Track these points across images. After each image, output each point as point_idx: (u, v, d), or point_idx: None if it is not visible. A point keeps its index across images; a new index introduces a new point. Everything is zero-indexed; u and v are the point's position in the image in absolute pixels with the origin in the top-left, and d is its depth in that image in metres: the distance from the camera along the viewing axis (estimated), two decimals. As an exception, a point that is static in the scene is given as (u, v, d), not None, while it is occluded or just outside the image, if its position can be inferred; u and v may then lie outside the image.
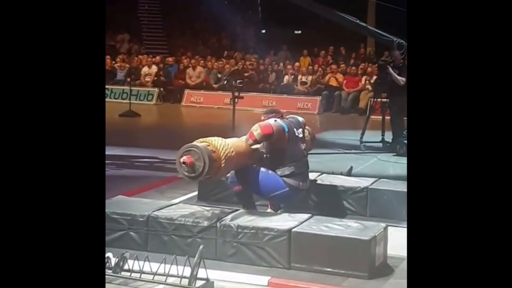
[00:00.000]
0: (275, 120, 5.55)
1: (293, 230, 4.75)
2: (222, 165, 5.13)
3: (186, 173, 5.13)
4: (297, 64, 18.22)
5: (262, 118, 5.73)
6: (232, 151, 5.21)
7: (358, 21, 9.86)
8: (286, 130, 5.52)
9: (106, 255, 4.27)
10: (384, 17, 9.74)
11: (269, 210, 5.71)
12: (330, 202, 6.21)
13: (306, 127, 5.97)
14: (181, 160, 5.08)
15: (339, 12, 9.63)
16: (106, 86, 18.03)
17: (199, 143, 5.16)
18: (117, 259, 4.31)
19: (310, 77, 17.64)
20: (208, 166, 5.02)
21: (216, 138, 5.27)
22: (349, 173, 7.13)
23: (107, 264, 4.26)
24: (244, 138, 5.57)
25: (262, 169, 5.52)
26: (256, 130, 5.40)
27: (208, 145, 5.12)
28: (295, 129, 5.66)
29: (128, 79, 17.35)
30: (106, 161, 9.08)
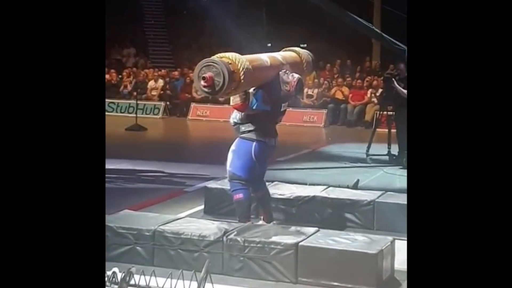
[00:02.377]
0: None
1: (300, 244, 4.73)
2: (242, 79, 5.11)
3: (206, 90, 5.10)
4: (302, 77, 18.23)
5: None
6: (249, 65, 5.18)
7: (374, 27, 9.81)
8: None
9: (112, 270, 4.27)
10: (390, 27, 9.74)
11: (260, 222, 5.73)
12: (337, 215, 6.19)
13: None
14: (201, 75, 5.05)
15: (352, 17, 9.59)
16: (113, 100, 18.12)
17: (216, 57, 5.13)
18: (123, 274, 4.30)
19: (316, 90, 17.65)
20: (228, 81, 4.99)
21: (231, 53, 5.25)
22: (355, 187, 7.11)
23: (113, 279, 4.25)
24: (262, 55, 5.60)
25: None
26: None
27: (229, 62, 5.08)
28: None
29: (135, 93, 17.40)
30: (113, 175, 9.12)
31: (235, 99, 5.50)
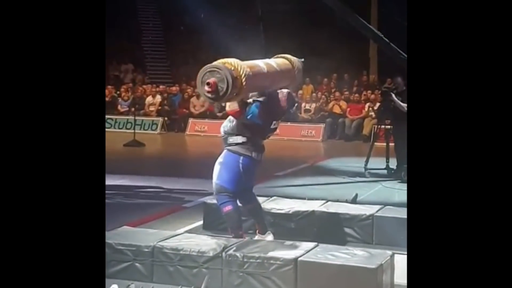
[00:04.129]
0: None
1: (299, 259, 4.72)
2: (243, 85, 5.13)
3: (209, 95, 5.11)
4: (300, 91, 18.29)
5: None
6: (250, 71, 5.21)
7: (383, 36, 9.79)
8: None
9: (112, 287, 4.26)
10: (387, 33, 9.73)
11: (257, 237, 5.71)
12: (336, 230, 6.19)
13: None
14: (204, 80, 5.06)
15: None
16: (111, 116, 18.13)
17: (219, 63, 5.14)
18: (122, 291, 4.29)
19: (313, 105, 17.68)
20: (231, 87, 5.02)
21: (233, 59, 5.26)
22: (354, 201, 7.10)
23: (113, 296, 4.24)
24: (259, 62, 5.63)
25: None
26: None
27: (232, 68, 5.10)
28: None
29: (132, 109, 17.41)
30: (111, 191, 9.07)
31: (232, 105, 5.51)
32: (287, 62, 6.10)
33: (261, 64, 5.67)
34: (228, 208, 5.58)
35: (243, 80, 5.12)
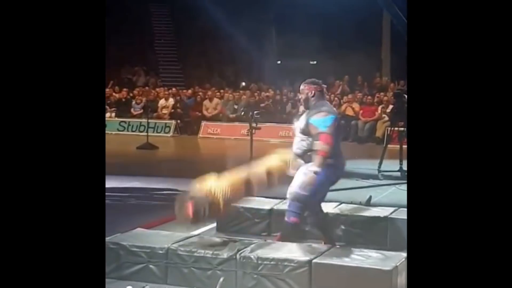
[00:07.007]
0: (327, 116, 5.42)
1: (314, 261, 4.72)
2: (221, 207, 5.21)
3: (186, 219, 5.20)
4: (312, 94, 18.28)
5: (302, 87, 5.62)
6: (229, 192, 5.26)
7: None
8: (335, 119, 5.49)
9: (126, 288, 4.28)
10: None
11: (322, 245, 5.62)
12: (350, 232, 6.18)
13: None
14: (182, 206, 5.17)
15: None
16: (124, 119, 18.20)
17: (197, 190, 5.22)
18: (137, 293, 4.30)
19: (326, 107, 17.66)
20: (207, 213, 5.12)
21: (212, 181, 5.29)
22: (368, 203, 7.08)
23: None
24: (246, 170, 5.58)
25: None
26: (323, 147, 5.30)
27: (208, 194, 5.18)
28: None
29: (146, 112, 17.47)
30: (125, 194, 9.06)
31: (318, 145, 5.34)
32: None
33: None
34: (294, 219, 5.46)
35: (221, 205, 5.20)
